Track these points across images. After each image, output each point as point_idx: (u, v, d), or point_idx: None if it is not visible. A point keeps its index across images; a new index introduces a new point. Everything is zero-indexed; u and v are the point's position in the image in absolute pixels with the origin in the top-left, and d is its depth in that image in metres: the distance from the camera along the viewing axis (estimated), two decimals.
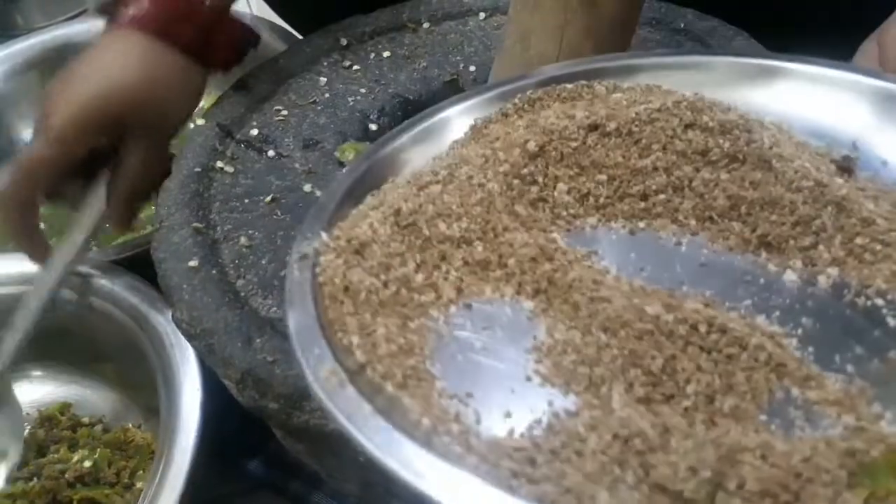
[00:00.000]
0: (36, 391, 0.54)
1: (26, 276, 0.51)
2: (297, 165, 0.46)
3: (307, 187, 0.45)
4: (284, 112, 0.49)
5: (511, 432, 0.22)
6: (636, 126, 0.30)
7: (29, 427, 0.52)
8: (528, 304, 0.26)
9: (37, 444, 0.50)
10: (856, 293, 0.26)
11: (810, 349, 0.25)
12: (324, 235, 0.27)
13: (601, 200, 0.29)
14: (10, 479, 0.48)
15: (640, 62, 0.35)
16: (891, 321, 0.25)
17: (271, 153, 0.47)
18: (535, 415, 0.23)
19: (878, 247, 0.27)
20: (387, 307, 0.25)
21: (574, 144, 0.30)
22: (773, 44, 0.49)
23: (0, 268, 0.53)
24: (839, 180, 0.29)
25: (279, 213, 0.43)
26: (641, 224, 0.29)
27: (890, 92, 0.31)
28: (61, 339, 0.51)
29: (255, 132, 0.48)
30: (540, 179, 0.30)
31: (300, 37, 0.66)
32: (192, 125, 0.52)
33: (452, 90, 0.51)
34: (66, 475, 0.48)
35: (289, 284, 0.26)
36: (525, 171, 0.30)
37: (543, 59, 0.40)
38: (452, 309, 0.26)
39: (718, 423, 0.23)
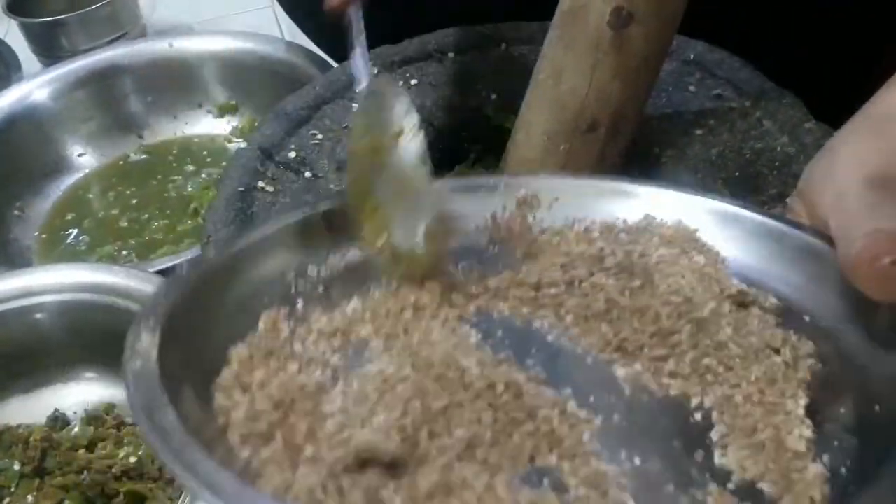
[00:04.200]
0: (84, 392, 0.58)
1: (21, 290, 0.55)
2: (331, 186, 0.50)
3: None
4: (320, 136, 0.53)
5: None
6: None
7: (78, 426, 0.56)
8: (379, 343, 0.29)
9: (87, 441, 0.54)
10: (678, 406, 0.27)
11: (602, 439, 0.26)
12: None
13: (502, 285, 0.32)
14: None
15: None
16: (696, 438, 0.26)
17: (308, 174, 0.50)
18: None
19: (721, 370, 0.28)
20: None
21: None
22: (779, 76, 0.52)
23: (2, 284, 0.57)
24: (711, 303, 0.30)
25: None
26: (525, 310, 0.31)
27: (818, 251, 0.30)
28: (111, 344, 0.55)
29: (292, 154, 0.52)
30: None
31: (334, 63, 0.70)
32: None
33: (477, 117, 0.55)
34: (113, 470, 0.52)
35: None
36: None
37: (574, 95, 0.43)
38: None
39: (463, 465, 0.24)
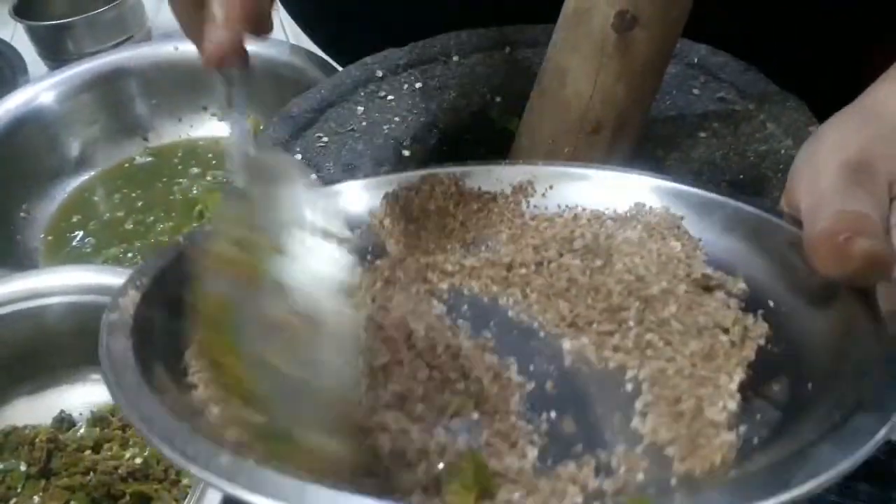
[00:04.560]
0: (90, 393, 0.58)
1: (27, 292, 0.55)
2: None
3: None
4: (325, 139, 0.53)
5: None
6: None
7: (84, 427, 0.56)
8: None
9: (93, 442, 0.54)
10: (613, 377, 0.29)
11: (529, 402, 0.28)
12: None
13: (477, 265, 0.35)
14: None
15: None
16: (621, 405, 0.28)
17: (313, 177, 0.51)
18: None
19: (661, 344, 0.30)
20: None
21: None
22: (783, 79, 0.52)
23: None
24: (664, 283, 0.32)
25: None
26: (495, 288, 0.34)
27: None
28: None
29: (298, 157, 0.52)
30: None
31: (338, 66, 0.70)
32: None
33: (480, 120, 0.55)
34: (119, 470, 0.52)
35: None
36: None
37: (578, 98, 0.43)
38: None
39: (389, 412, 0.26)
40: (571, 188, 0.37)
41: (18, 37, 0.97)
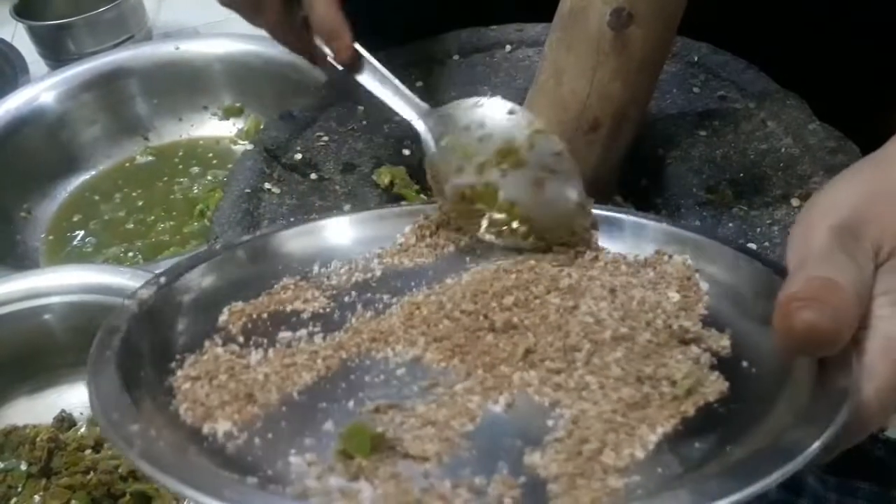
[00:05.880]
0: None
1: (28, 292, 0.55)
2: (337, 187, 0.50)
3: (347, 207, 0.49)
4: (325, 138, 0.53)
5: None
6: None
7: (84, 426, 0.56)
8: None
9: (94, 441, 0.54)
10: (541, 412, 0.29)
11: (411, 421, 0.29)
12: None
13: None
14: None
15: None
16: (530, 438, 0.28)
17: (314, 176, 0.51)
18: None
19: (596, 387, 0.29)
20: None
21: None
22: (783, 78, 0.52)
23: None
24: (622, 329, 0.32)
25: None
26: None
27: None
28: None
29: (299, 156, 0.52)
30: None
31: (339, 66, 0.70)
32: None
33: None
34: (120, 470, 0.52)
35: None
36: None
37: (575, 96, 0.43)
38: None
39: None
40: (603, 230, 0.38)
41: (19, 37, 0.97)
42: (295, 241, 0.38)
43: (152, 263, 0.65)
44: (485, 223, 0.38)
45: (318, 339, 0.33)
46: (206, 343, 0.33)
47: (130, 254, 0.71)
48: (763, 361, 0.30)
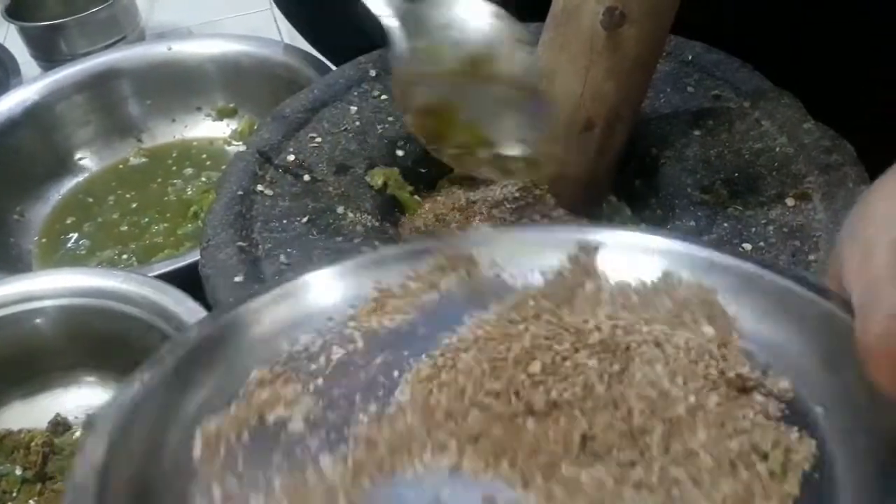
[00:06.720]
0: (85, 396, 0.58)
1: (21, 295, 0.55)
2: (330, 189, 0.50)
3: (340, 209, 0.48)
4: (318, 139, 0.53)
5: None
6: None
7: (79, 430, 0.56)
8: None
9: None
10: None
11: None
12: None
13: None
14: None
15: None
16: None
17: (307, 177, 0.50)
18: None
19: (689, 484, 0.24)
20: None
21: None
22: (777, 76, 0.52)
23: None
24: (691, 397, 0.26)
25: (314, 233, 0.47)
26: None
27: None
28: (111, 348, 0.55)
29: (291, 157, 0.52)
30: None
31: (332, 66, 0.70)
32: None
33: None
34: None
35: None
36: None
37: (568, 96, 0.43)
38: None
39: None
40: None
41: (11, 38, 0.97)
42: (253, 316, 0.32)
43: (146, 266, 0.65)
44: (451, 149, 0.33)
45: (324, 461, 0.27)
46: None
47: (125, 256, 0.71)
48: (832, 401, 0.25)
